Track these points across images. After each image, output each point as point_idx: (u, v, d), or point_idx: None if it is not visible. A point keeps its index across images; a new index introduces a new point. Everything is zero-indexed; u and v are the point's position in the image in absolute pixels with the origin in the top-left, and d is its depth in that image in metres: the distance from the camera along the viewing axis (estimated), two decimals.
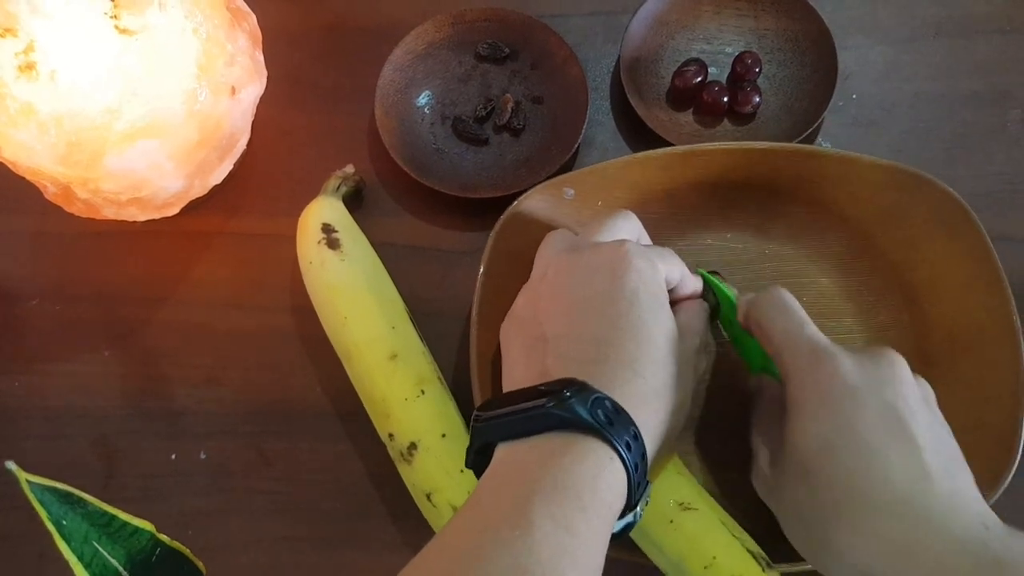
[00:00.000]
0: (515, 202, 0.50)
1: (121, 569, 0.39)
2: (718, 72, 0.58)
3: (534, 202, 0.50)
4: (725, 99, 0.56)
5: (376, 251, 0.52)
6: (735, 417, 0.47)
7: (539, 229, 0.47)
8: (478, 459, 0.37)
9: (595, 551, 0.33)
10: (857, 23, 0.60)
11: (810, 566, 0.40)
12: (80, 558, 0.37)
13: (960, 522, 0.35)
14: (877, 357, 0.40)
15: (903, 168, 0.49)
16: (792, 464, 0.39)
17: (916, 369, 0.41)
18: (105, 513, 0.38)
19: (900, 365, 0.40)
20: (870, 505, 0.36)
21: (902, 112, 0.58)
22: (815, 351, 0.40)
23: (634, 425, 0.36)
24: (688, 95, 0.57)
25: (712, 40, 0.59)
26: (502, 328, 0.43)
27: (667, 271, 0.42)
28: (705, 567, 0.41)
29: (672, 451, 0.43)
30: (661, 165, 0.50)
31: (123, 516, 0.39)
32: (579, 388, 0.35)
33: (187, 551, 0.41)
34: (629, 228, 0.45)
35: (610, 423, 0.35)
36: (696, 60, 0.58)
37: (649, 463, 0.37)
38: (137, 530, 0.39)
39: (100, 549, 0.38)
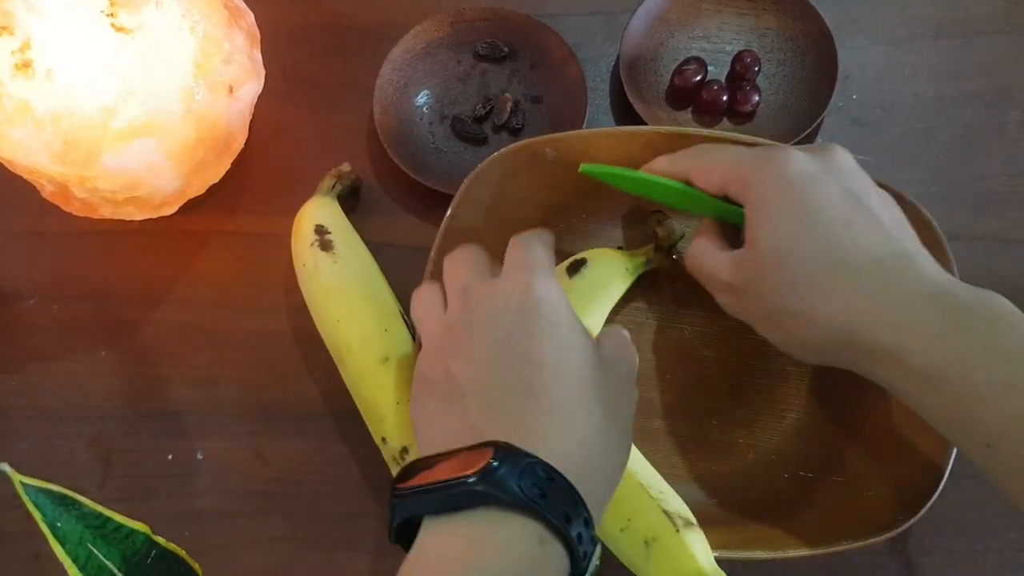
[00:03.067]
0: (495, 153, 0.49)
1: (116, 571, 0.39)
2: (718, 71, 0.58)
3: (514, 158, 0.49)
4: (724, 98, 0.56)
5: (373, 251, 0.51)
6: (697, 400, 0.50)
7: (515, 186, 0.49)
8: (403, 530, 0.34)
9: None
10: (857, 23, 0.59)
11: (752, 554, 0.44)
12: (75, 560, 0.37)
13: (928, 274, 0.38)
14: (824, 149, 0.42)
15: (885, 186, 0.49)
16: (762, 260, 0.40)
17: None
18: (100, 515, 0.38)
19: (845, 153, 0.42)
20: (846, 268, 0.39)
21: (902, 112, 0.57)
22: (765, 153, 0.42)
23: (573, 490, 0.33)
24: (687, 94, 0.57)
25: (712, 39, 0.59)
26: (411, 397, 0.41)
27: (551, 253, 0.41)
28: (621, 530, 0.42)
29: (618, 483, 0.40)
30: (646, 143, 0.49)
31: (118, 518, 0.39)
32: (505, 455, 0.32)
33: (183, 552, 0.41)
34: (542, 252, 0.41)
35: (543, 495, 0.32)
36: (696, 59, 0.57)
37: (598, 516, 0.35)
38: (132, 532, 0.39)
39: (95, 551, 0.38)
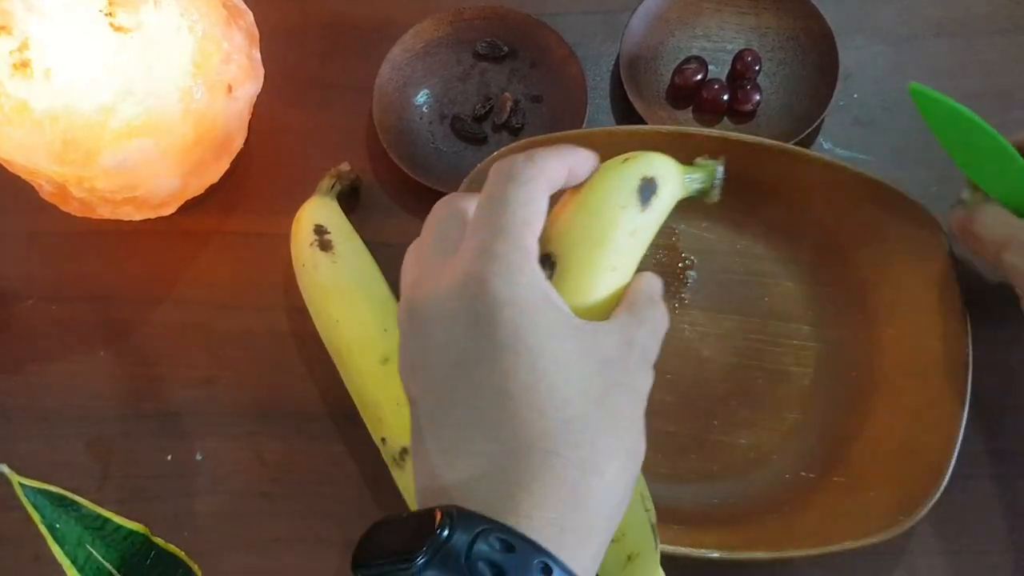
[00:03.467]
0: (495, 153, 0.49)
1: (115, 572, 0.39)
2: (718, 70, 0.58)
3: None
4: (725, 97, 0.56)
5: (373, 251, 0.51)
6: (697, 400, 0.49)
7: None
8: None
9: None
10: (858, 22, 0.59)
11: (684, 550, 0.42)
12: (73, 561, 0.37)
13: None
14: None
15: (888, 186, 0.49)
16: None
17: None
18: (99, 516, 0.38)
19: None
20: None
21: (903, 112, 0.57)
22: None
23: (542, 554, 0.26)
24: (688, 93, 0.57)
25: (712, 38, 0.59)
26: None
27: (536, 203, 0.31)
28: (615, 541, 0.37)
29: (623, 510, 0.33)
30: (646, 142, 0.49)
31: (117, 519, 0.39)
32: (452, 529, 0.26)
33: (182, 553, 0.41)
34: (520, 200, 0.31)
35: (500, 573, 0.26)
36: (696, 58, 0.57)
37: (592, 563, 0.29)
38: (131, 533, 0.39)
39: (93, 552, 0.38)
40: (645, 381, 0.32)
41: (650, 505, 0.38)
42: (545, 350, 0.29)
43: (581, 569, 0.28)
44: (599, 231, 0.35)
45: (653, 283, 0.35)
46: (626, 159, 0.37)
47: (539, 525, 0.27)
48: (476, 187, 0.48)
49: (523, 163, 0.32)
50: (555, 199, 0.34)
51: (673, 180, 0.38)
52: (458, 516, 0.27)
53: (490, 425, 0.29)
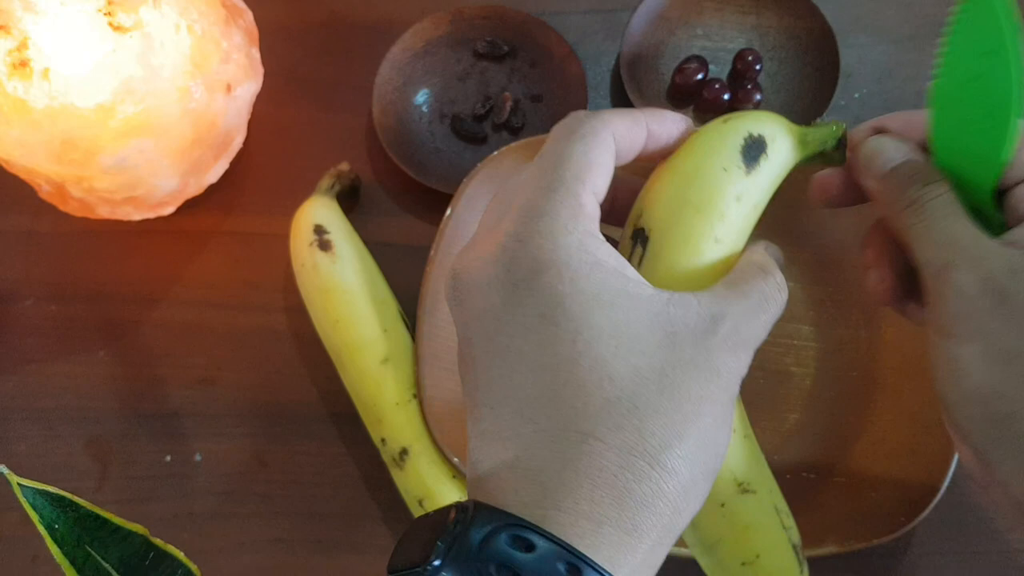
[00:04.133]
0: (498, 151, 0.48)
1: (114, 573, 0.38)
2: (719, 69, 0.58)
3: (514, 157, 0.49)
4: (726, 96, 0.56)
5: (373, 251, 0.51)
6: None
7: None
8: None
9: None
10: (859, 21, 0.59)
11: None
12: (72, 562, 0.37)
13: None
14: None
15: None
16: (980, 296, 0.28)
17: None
18: (98, 516, 0.38)
19: None
20: None
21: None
22: None
23: (567, 554, 0.23)
24: (689, 92, 0.57)
25: (713, 37, 0.59)
26: None
27: (595, 157, 0.27)
28: (743, 564, 0.32)
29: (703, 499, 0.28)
30: None
31: (116, 520, 0.39)
32: (467, 526, 0.24)
33: (181, 554, 0.41)
34: (577, 153, 0.28)
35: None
36: (697, 57, 0.57)
37: (645, 573, 0.25)
38: (130, 533, 0.39)
39: (93, 553, 0.38)
40: (733, 363, 0.27)
41: (790, 522, 0.33)
42: (591, 320, 0.25)
43: (625, 572, 0.24)
44: (697, 198, 0.30)
45: (765, 253, 0.30)
46: (728, 118, 0.32)
47: (571, 518, 0.24)
48: (480, 183, 0.48)
49: (585, 116, 0.29)
50: (649, 172, 0.31)
51: (786, 139, 0.33)
52: (474, 511, 0.24)
53: (525, 405, 0.26)
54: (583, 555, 0.23)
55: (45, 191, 0.50)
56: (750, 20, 0.58)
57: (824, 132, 0.34)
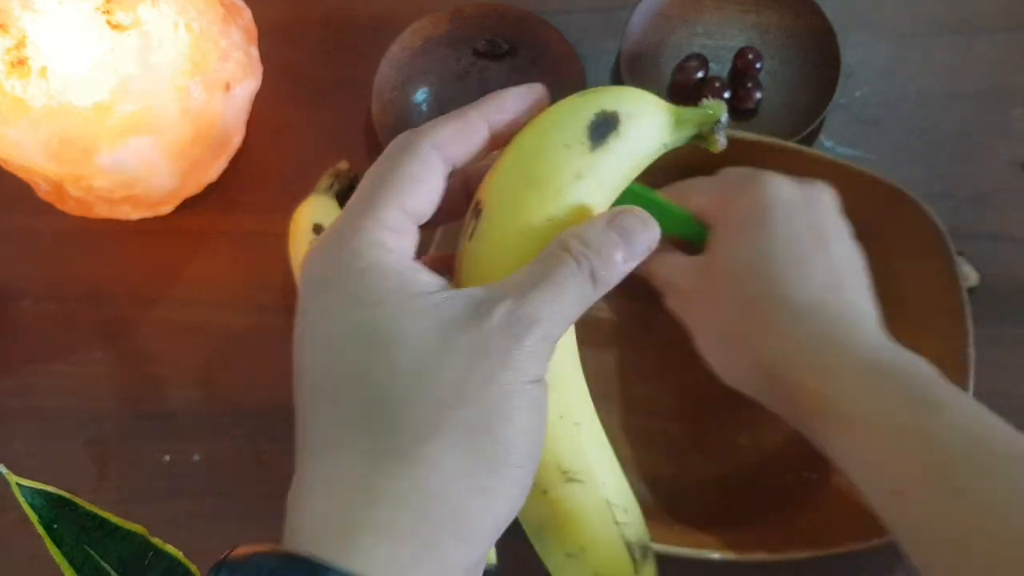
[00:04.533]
0: (495, 152, 0.48)
1: (113, 573, 0.38)
2: (719, 68, 0.58)
3: None
4: (726, 95, 0.56)
5: None
6: (699, 401, 0.49)
7: None
8: None
9: None
10: (860, 20, 0.59)
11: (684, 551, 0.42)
12: (71, 562, 0.37)
13: (867, 329, 0.38)
14: (811, 184, 0.42)
15: (889, 184, 0.48)
16: (717, 274, 0.41)
17: None
18: (96, 516, 0.38)
19: (830, 195, 0.42)
20: (788, 306, 0.38)
21: (905, 110, 0.57)
22: (750, 174, 0.42)
23: (300, 566, 0.23)
24: (689, 91, 0.57)
25: (713, 35, 0.59)
26: None
27: (402, 176, 0.28)
28: (568, 555, 0.31)
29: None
30: None
31: (115, 520, 0.39)
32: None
33: (180, 554, 0.41)
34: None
35: None
36: (697, 55, 0.57)
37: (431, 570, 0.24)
38: (129, 533, 0.39)
39: (92, 553, 0.38)
40: (513, 345, 0.25)
41: (628, 517, 0.32)
42: (343, 324, 0.25)
43: (391, 571, 0.23)
44: (533, 172, 0.29)
45: (588, 227, 0.28)
46: (585, 93, 0.31)
47: (319, 527, 0.25)
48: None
49: (405, 135, 0.29)
50: None
51: (650, 118, 0.31)
52: (225, 559, 0.25)
53: (303, 427, 0.26)
54: (322, 563, 0.23)
55: (43, 190, 0.50)
56: (750, 18, 0.58)
57: (699, 114, 0.32)
